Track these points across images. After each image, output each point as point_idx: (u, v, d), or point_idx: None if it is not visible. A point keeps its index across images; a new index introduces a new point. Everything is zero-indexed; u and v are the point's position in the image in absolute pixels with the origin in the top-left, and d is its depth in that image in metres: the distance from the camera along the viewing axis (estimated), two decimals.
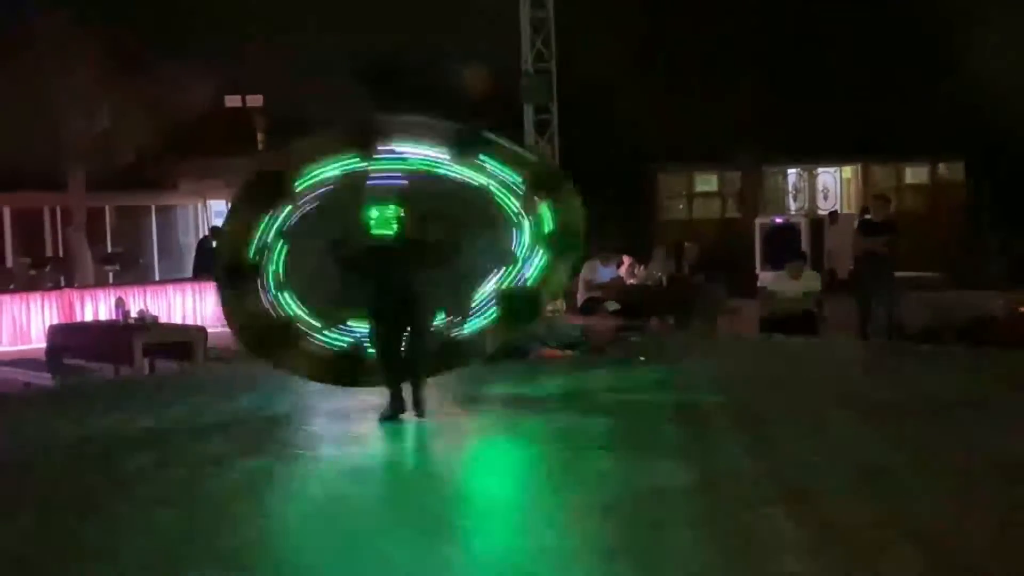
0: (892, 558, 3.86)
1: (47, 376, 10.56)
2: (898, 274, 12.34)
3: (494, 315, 7.57)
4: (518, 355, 9.02)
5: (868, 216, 12.72)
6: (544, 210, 7.50)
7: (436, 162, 7.20)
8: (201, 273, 19.07)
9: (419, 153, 7.15)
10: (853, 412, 6.47)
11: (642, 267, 13.89)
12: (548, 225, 7.51)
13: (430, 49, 20.27)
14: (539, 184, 7.47)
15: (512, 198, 7.45)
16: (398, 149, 7.12)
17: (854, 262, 12.66)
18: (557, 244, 7.55)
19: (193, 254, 20.83)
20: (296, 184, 6.96)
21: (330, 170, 7.02)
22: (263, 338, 7.23)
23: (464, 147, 7.19)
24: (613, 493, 4.90)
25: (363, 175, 7.07)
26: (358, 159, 7.03)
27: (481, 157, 7.26)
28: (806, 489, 4.78)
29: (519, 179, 7.39)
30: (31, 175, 19.65)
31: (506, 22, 17.66)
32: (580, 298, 12.51)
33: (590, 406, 7.00)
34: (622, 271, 13.72)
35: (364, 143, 7.03)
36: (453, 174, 7.25)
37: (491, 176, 7.36)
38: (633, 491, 4.90)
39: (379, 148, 7.06)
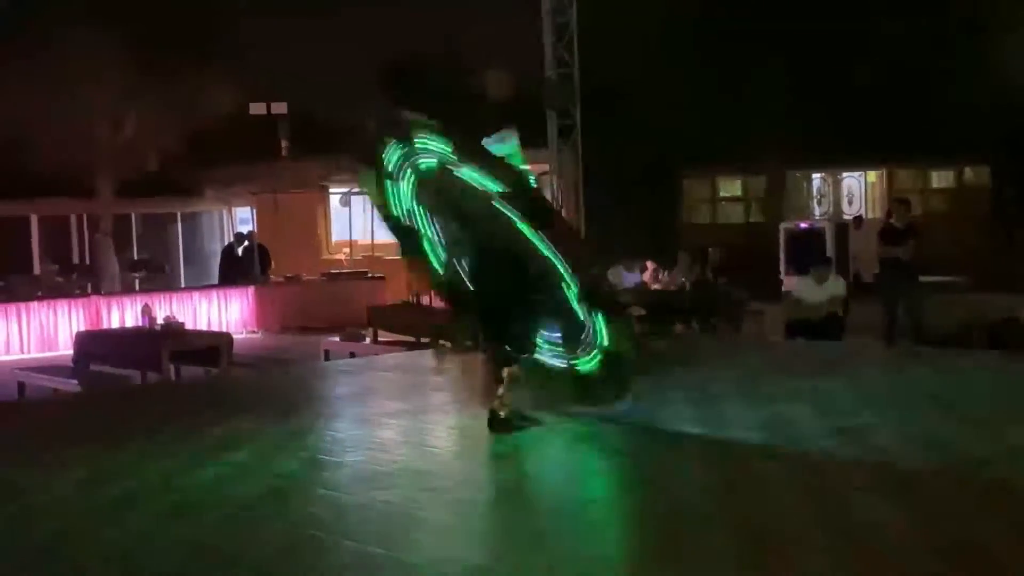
0: None
1: (74, 382, 10.65)
2: (923, 278, 12.30)
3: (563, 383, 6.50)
4: None
5: (892, 220, 12.69)
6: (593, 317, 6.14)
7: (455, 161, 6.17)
8: (226, 280, 19.19)
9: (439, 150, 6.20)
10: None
11: (666, 272, 13.91)
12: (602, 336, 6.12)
13: (452, 54, 20.33)
14: (587, 298, 6.09)
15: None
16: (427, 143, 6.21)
17: (879, 267, 12.63)
18: (609, 365, 6.18)
19: (218, 261, 20.95)
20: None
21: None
22: (396, 228, 6.74)
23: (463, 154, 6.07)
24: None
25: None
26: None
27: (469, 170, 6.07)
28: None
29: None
30: (59, 182, 19.82)
31: (528, 27, 17.73)
32: None
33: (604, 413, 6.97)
34: (646, 277, 13.75)
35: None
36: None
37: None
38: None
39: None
